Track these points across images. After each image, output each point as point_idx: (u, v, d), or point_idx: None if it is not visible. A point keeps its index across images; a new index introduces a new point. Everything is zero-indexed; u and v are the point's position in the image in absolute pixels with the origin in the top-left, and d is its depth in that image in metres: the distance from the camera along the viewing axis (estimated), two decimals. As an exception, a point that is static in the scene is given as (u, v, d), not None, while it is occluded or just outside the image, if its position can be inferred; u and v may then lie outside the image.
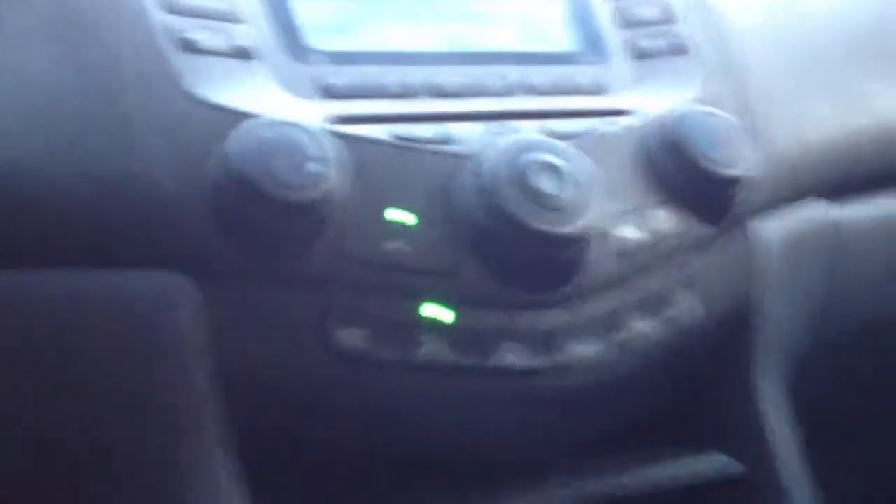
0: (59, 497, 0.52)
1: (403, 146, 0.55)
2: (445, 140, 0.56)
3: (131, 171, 0.50)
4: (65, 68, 0.51)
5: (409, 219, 0.53)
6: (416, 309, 0.53)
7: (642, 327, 0.58)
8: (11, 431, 0.51)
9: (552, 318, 0.56)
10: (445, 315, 0.54)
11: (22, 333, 0.49)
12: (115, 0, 0.53)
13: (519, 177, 0.54)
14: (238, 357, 0.51)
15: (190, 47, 0.53)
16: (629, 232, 0.58)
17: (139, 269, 0.50)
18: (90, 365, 0.50)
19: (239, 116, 0.52)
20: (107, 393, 0.50)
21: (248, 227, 0.51)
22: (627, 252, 0.57)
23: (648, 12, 0.65)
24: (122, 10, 0.53)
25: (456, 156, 0.55)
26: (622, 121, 0.60)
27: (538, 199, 0.54)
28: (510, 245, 0.54)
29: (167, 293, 0.50)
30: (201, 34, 0.54)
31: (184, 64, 0.53)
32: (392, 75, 0.57)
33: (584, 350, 0.57)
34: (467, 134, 0.57)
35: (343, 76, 0.56)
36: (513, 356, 0.55)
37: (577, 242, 0.55)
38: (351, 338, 0.52)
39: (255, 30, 0.55)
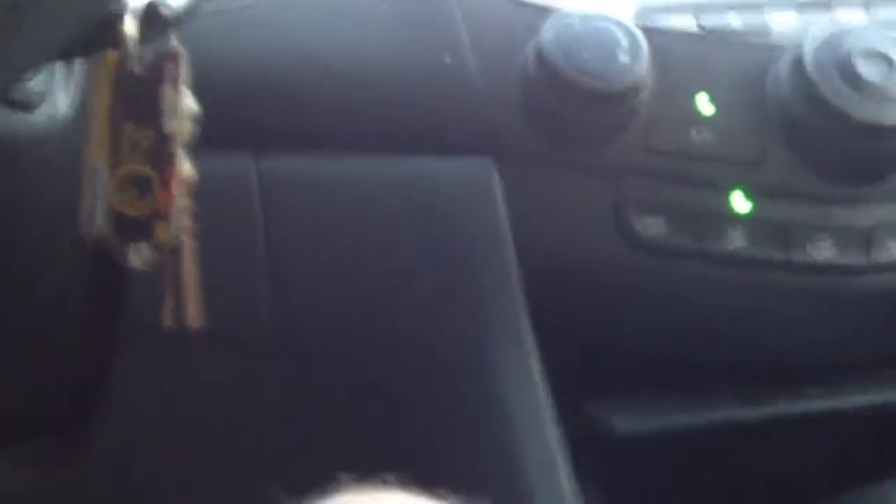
0: (373, 388, 0.53)
1: (713, 37, 0.54)
2: (759, 30, 0.55)
3: (445, 64, 0.53)
4: None
5: (711, 109, 0.53)
6: (719, 199, 0.53)
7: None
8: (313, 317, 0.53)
9: (871, 214, 0.53)
10: (748, 206, 0.53)
11: (335, 215, 0.53)
12: None
13: (841, 64, 0.52)
14: (536, 241, 0.53)
15: None
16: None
17: (448, 154, 0.53)
18: (400, 244, 0.54)
19: (549, 11, 0.53)
20: (417, 268, 0.54)
21: (556, 117, 0.53)
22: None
23: None
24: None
25: (770, 45, 0.54)
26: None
27: (861, 87, 0.51)
28: (827, 136, 0.52)
29: (473, 177, 0.53)
30: None
31: None
32: (705, -35, 0.56)
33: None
34: (783, 23, 0.55)
35: (654, -32, 0.56)
36: (825, 251, 0.53)
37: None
38: (651, 226, 0.53)
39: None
